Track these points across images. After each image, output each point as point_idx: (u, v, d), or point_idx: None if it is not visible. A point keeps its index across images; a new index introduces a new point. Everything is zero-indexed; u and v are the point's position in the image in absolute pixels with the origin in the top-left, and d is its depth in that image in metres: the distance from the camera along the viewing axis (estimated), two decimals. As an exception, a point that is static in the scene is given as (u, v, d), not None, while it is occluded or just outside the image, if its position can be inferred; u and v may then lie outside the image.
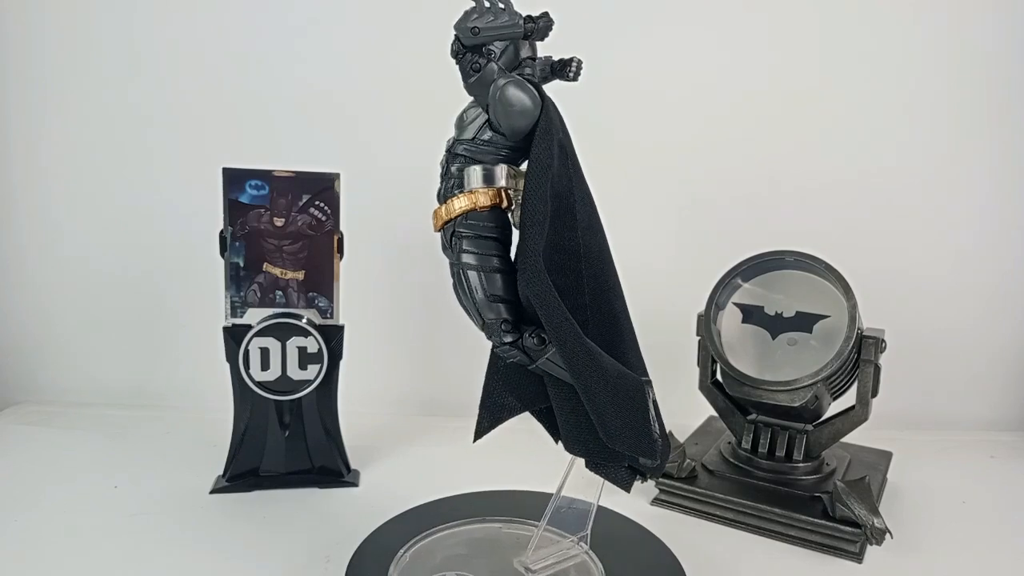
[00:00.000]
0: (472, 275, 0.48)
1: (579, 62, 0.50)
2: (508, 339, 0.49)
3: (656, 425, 0.50)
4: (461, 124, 0.50)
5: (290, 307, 0.73)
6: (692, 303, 0.77)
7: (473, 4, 0.47)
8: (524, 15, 0.47)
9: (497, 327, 0.49)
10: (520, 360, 0.50)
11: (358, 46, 0.96)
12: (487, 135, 0.49)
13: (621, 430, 0.48)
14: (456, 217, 0.49)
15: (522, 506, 0.63)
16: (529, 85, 0.47)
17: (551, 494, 0.57)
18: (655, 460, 0.50)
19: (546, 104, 0.48)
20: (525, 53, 0.49)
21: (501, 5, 0.47)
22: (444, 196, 0.50)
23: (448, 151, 0.50)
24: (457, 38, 0.48)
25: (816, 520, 0.65)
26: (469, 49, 0.48)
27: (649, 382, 0.50)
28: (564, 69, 0.50)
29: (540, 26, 0.47)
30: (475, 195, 0.48)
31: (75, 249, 0.99)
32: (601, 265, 0.51)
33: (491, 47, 0.47)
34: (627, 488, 0.52)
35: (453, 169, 0.49)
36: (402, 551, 0.58)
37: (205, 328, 0.79)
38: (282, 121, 0.96)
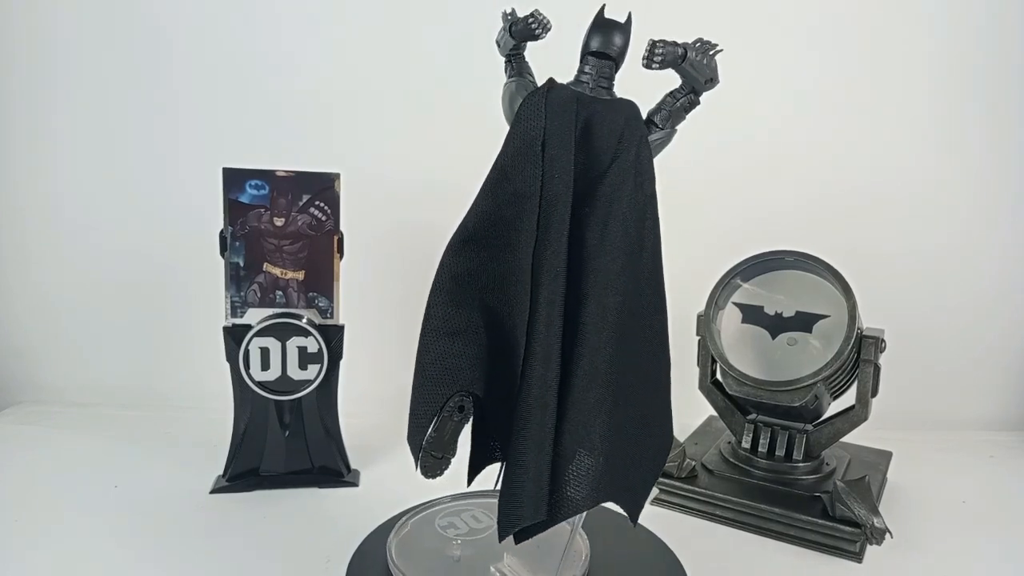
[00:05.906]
0: None
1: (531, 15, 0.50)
2: None
3: (432, 439, 0.46)
4: None
5: (290, 307, 0.73)
6: (692, 303, 0.77)
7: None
8: (513, 18, 0.50)
9: None
10: None
11: (359, 45, 0.96)
12: None
13: (410, 420, 0.47)
14: None
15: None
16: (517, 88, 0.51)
17: None
18: (417, 468, 0.47)
19: (528, 105, 0.46)
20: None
21: (510, 16, 0.51)
22: None
23: None
24: None
25: (816, 520, 0.65)
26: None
27: (467, 396, 0.46)
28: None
29: (518, 27, 0.50)
30: None
31: (75, 249, 0.99)
32: (548, 284, 0.45)
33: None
34: (499, 534, 0.46)
35: None
36: (404, 519, 0.60)
37: (205, 328, 0.79)
38: (282, 121, 0.96)
